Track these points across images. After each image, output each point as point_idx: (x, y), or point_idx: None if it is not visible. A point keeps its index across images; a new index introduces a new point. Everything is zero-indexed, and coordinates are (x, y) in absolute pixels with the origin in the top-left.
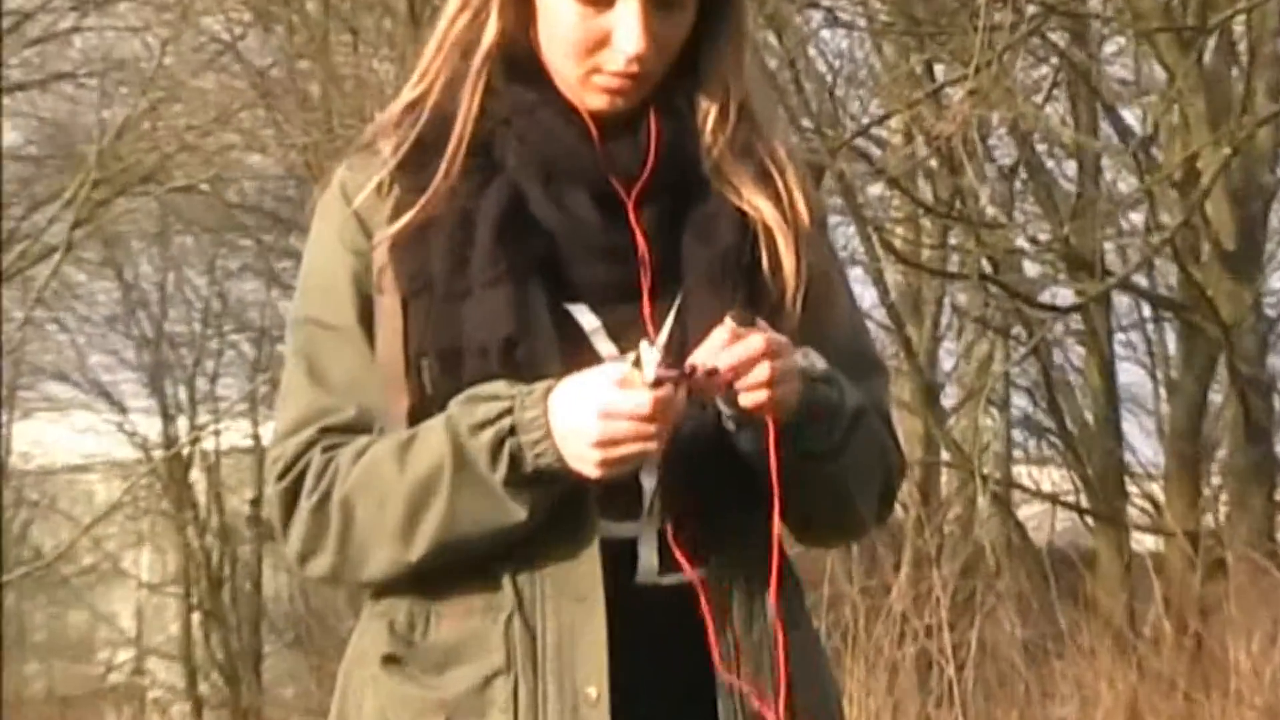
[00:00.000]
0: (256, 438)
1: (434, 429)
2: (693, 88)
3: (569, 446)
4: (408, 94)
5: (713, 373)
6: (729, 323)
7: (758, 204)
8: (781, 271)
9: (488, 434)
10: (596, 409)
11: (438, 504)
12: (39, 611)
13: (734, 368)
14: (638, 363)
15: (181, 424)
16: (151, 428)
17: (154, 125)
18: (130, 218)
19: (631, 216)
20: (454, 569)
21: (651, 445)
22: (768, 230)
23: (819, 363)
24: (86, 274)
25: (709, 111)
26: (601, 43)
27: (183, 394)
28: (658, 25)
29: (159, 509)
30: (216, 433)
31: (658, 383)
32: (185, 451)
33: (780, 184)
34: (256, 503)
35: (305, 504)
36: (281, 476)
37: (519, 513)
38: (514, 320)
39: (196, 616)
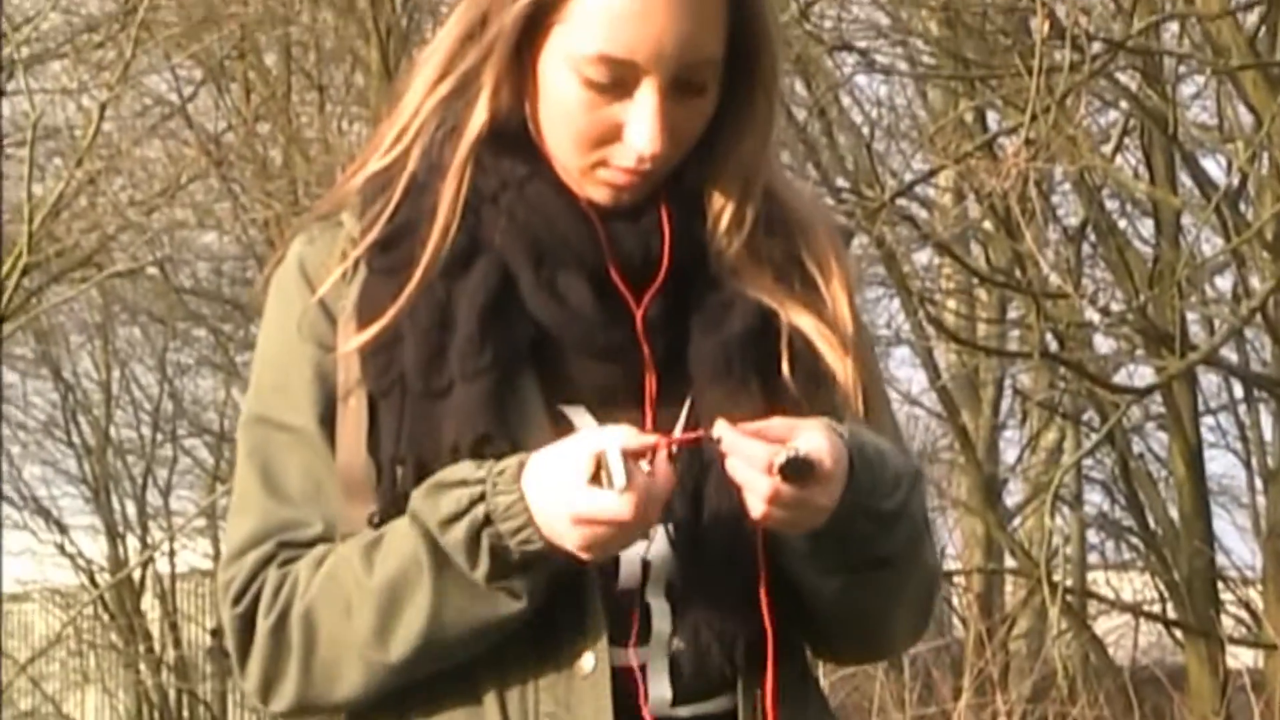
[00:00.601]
0: (217, 557)
1: (400, 527)
2: (707, 171)
3: (552, 533)
4: (376, 162)
5: (696, 440)
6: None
7: (784, 302)
8: (807, 379)
9: (460, 528)
10: (569, 514)
11: (418, 599)
12: None
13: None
14: (598, 472)
15: (131, 544)
16: (96, 549)
17: (92, 201)
18: (68, 308)
19: (639, 324)
20: (438, 693)
21: (637, 536)
22: (793, 333)
23: (871, 444)
24: (19, 374)
25: (728, 200)
26: (612, 135)
27: (131, 509)
28: (675, 116)
29: (107, 643)
30: (171, 553)
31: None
32: (135, 575)
33: (819, 279)
34: (218, 633)
35: (262, 625)
36: (236, 601)
37: (512, 604)
38: (493, 417)
39: None
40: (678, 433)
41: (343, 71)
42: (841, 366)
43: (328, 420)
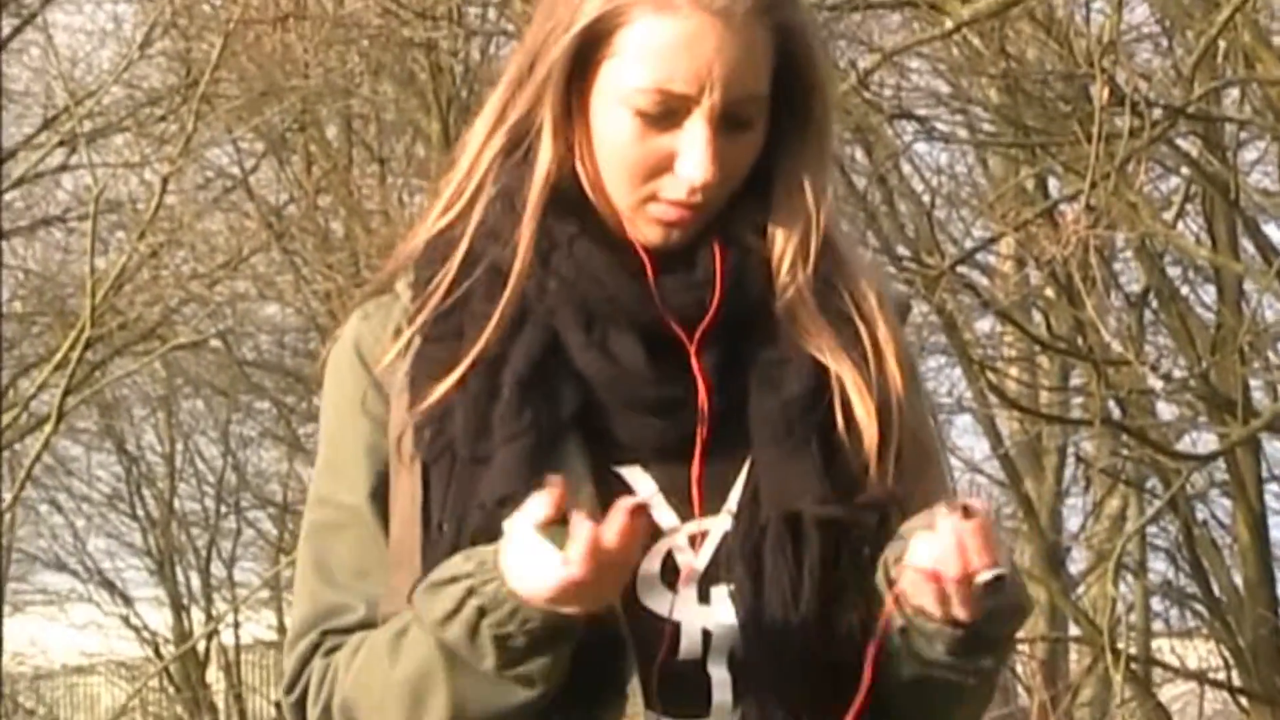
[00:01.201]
0: (281, 628)
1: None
2: (763, 215)
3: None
4: (432, 226)
5: None
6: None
7: (837, 359)
8: (861, 438)
9: (456, 626)
10: (546, 592)
11: (439, 697)
12: None
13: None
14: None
15: (195, 616)
16: (161, 621)
17: (155, 274)
18: (131, 381)
19: (695, 363)
20: None
21: (619, 584)
22: (844, 390)
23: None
24: (83, 447)
25: (785, 246)
26: (662, 166)
27: (195, 581)
28: (725, 149)
29: (172, 715)
30: (235, 624)
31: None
32: (200, 647)
33: (866, 337)
34: (282, 705)
35: (311, 714)
36: (290, 689)
37: (529, 691)
38: (523, 479)
39: None
40: (737, 489)
41: (404, 143)
42: (871, 425)
43: (379, 496)
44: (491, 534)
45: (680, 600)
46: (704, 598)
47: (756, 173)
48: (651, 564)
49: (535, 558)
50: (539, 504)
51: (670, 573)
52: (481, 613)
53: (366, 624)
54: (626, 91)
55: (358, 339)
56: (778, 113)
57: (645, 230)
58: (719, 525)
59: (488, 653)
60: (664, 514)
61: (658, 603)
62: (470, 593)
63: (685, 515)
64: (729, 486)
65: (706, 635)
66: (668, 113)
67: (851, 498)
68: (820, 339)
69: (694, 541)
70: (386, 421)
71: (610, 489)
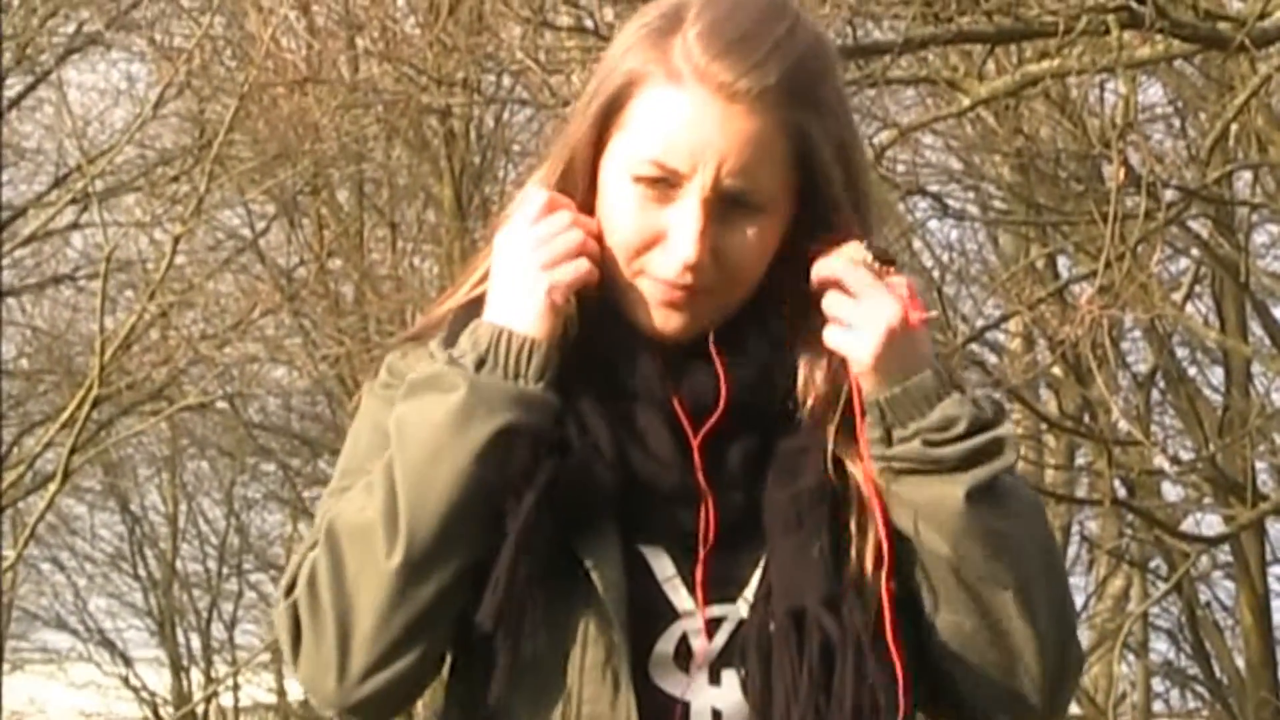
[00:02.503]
0: (282, 692)
1: None
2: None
3: (507, 307)
4: (470, 289)
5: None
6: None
7: (849, 461)
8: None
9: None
10: (520, 251)
11: (400, 456)
12: None
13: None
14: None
15: (195, 677)
16: (160, 682)
17: (164, 334)
18: (137, 441)
19: (697, 464)
20: None
21: (583, 262)
22: (858, 491)
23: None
24: (86, 506)
25: (810, 359)
26: (655, 242)
27: (196, 643)
28: (720, 235)
29: None
30: (235, 687)
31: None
32: (199, 710)
33: None
34: None
35: (301, 590)
36: (288, 592)
37: (459, 384)
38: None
39: None
40: (755, 580)
41: (415, 209)
42: (875, 520)
43: None
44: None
45: (692, 682)
46: (715, 679)
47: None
48: (666, 645)
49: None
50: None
51: (682, 655)
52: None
53: None
54: (629, 161)
55: (393, 368)
56: (806, 214)
57: (652, 314)
58: (735, 612)
59: (440, 355)
60: (680, 597)
61: (669, 683)
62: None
63: (702, 601)
64: (746, 575)
65: (716, 715)
66: (667, 189)
67: (859, 589)
68: (837, 435)
69: (709, 627)
70: None
71: (634, 565)
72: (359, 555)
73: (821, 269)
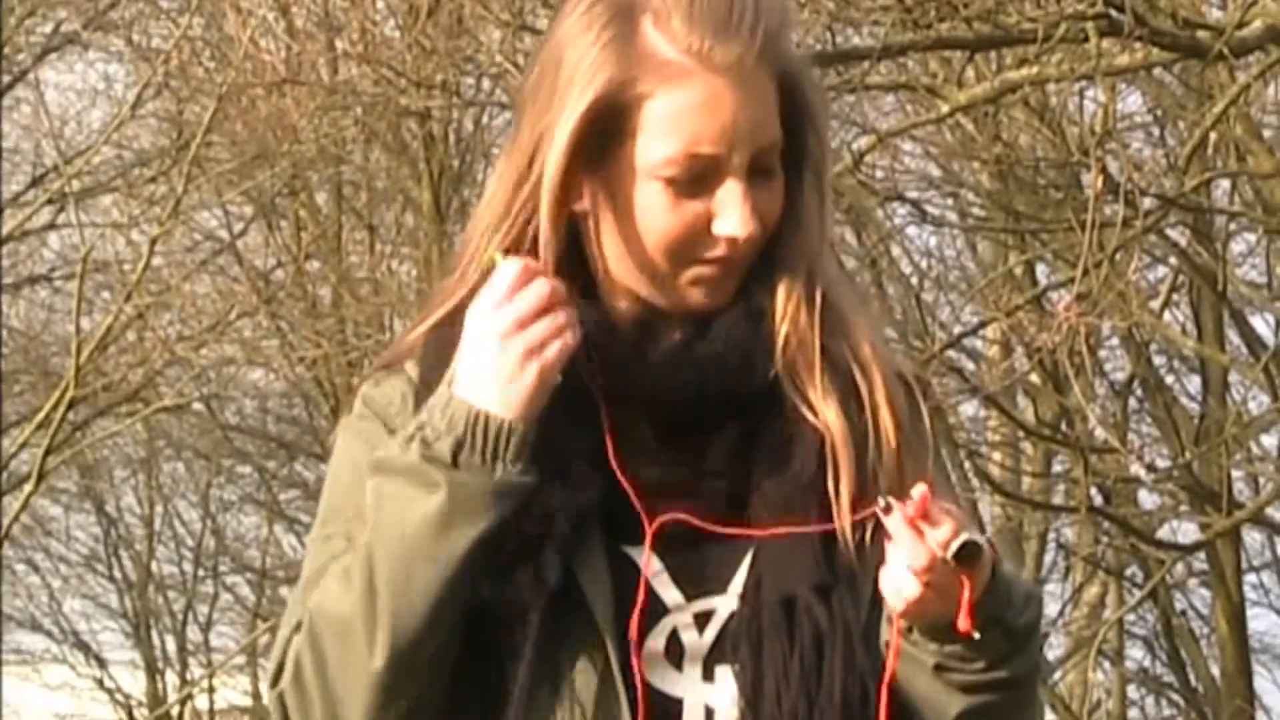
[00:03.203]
0: (256, 695)
1: None
2: (771, 275)
3: (485, 388)
4: (440, 312)
5: None
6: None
7: (827, 417)
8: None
9: (394, 446)
10: (496, 334)
11: (378, 549)
12: None
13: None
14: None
15: (170, 680)
16: (135, 684)
17: (140, 335)
18: (113, 442)
19: (641, 532)
20: None
21: (569, 335)
22: (834, 448)
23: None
24: (62, 507)
25: (787, 304)
26: (700, 230)
27: (171, 645)
28: (759, 200)
29: None
30: (210, 690)
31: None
32: (174, 712)
33: (865, 391)
34: None
35: (288, 684)
36: (274, 681)
37: (438, 483)
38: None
39: None
40: (743, 570)
41: (394, 212)
42: (848, 480)
43: None
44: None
45: (685, 678)
46: (708, 676)
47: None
48: (656, 641)
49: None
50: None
51: (674, 650)
52: (420, 429)
53: None
54: (654, 165)
55: (368, 399)
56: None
57: (688, 295)
58: (725, 605)
59: (414, 446)
60: (669, 592)
61: (662, 680)
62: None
63: (690, 595)
64: (736, 566)
65: (709, 712)
66: (698, 177)
67: (851, 575)
68: (810, 394)
69: (699, 621)
70: None
71: (621, 568)
72: (342, 654)
73: (901, 533)
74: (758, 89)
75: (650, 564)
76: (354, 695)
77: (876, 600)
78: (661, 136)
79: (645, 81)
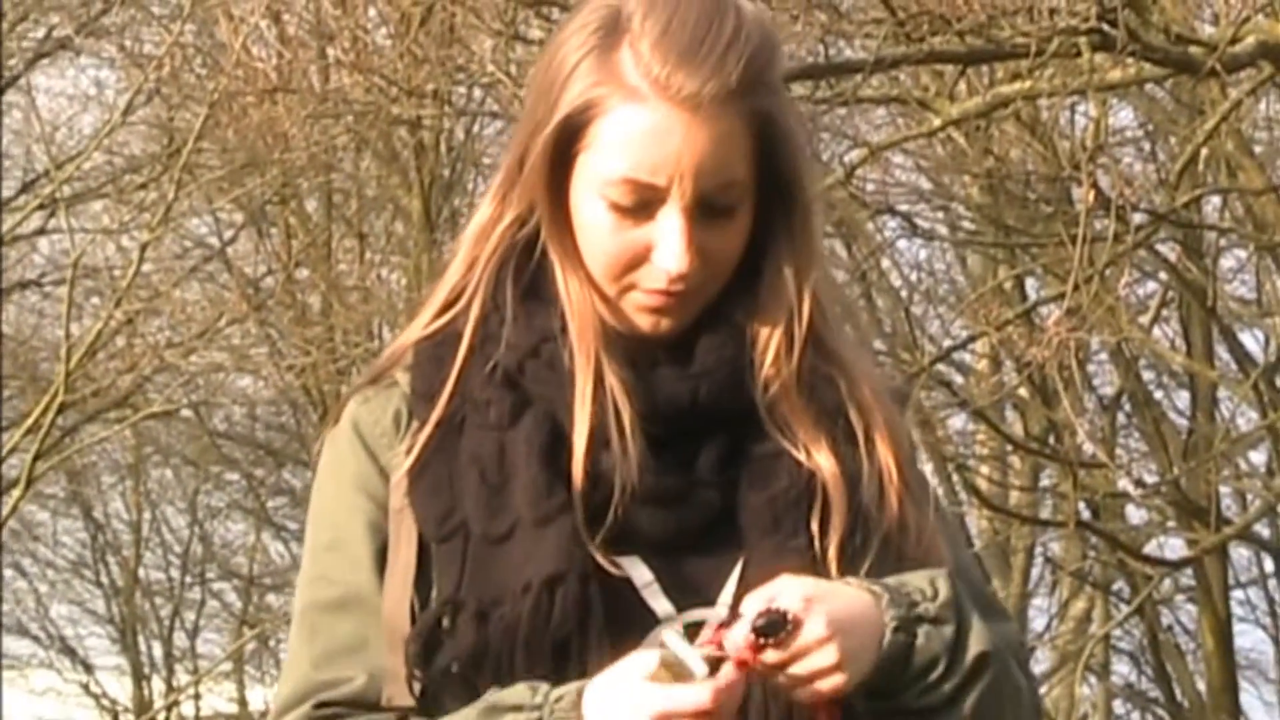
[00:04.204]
0: (243, 701)
1: None
2: (752, 304)
3: None
4: (431, 319)
5: (777, 640)
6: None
7: (817, 456)
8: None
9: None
10: (649, 717)
11: None
12: None
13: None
14: (668, 660)
15: (156, 686)
16: (121, 690)
17: (130, 341)
18: (101, 448)
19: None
20: None
21: None
22: (825, 487)
23: (924, 591)
24: (49, 512)
25: (769, 338)
26: (640, 257)
27: (158, 651)
28: (704, 238)
29: None
30: (196, 696)
31: (714, 665)
32: (161, 718)
33: (860, 429)
34: None
35: None
36: None
37: None
38: (563, 558)
39: None
40: (732, 584)
41: (384, 220)
42: (840, 517)
43: (381, 572)
44: (535, 614)
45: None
46: None
47: (749, 257)
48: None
49: (654, 688)
50: (651, 658)
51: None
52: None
53: (368, 694)
54: (600, 183)
55: (357, 421)
56: (763, 199)
57: (636, 319)
58: (715, 615)
59: None
60: (659, 603)
61: None
62: None
63: (681, 606)
64: (725, 579)
65: None
66: (643, 203)
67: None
68: (801, 432)
69: (689, 632)
70: (386, 501)
71: (610, 576)
72: None
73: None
74: (719, 125)
75: (641, 576)
76: None
77: None
78: (606, 155)
79: (608, 99)
